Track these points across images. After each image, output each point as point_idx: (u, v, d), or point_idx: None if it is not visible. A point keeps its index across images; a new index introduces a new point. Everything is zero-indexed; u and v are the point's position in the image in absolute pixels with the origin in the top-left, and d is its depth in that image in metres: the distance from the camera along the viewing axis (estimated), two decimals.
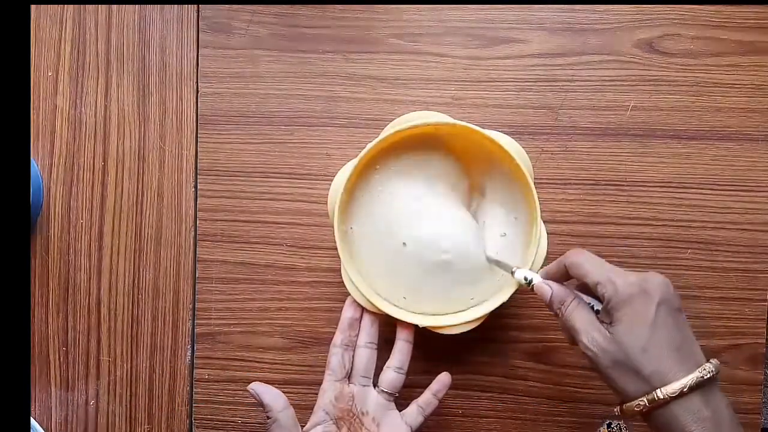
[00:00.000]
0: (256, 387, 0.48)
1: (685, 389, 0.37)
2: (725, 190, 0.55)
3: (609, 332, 0.39)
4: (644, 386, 0.38)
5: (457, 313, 0.49)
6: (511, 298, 0.48)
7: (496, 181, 0.50)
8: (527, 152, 0.51)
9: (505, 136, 0.49)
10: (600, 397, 0.56)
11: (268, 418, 0.47)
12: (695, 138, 0.55)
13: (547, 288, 0.44)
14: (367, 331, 0.49)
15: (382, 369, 0.50)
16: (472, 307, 0.49)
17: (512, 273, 0.46)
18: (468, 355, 0.56)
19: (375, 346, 0.50)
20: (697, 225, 0.55)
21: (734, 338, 0.55)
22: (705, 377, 0.37)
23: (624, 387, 0.39)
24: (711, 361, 0.38)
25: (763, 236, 0.55)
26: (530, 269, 0.46)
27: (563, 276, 0.44)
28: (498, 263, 0.48)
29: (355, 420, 0.48)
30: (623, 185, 0.56)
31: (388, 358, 0.50)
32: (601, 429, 0.54)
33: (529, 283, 0.45)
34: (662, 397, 0.37)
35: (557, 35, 0.56)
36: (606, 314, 0.41)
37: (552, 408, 0.56)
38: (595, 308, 0.42)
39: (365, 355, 0.49)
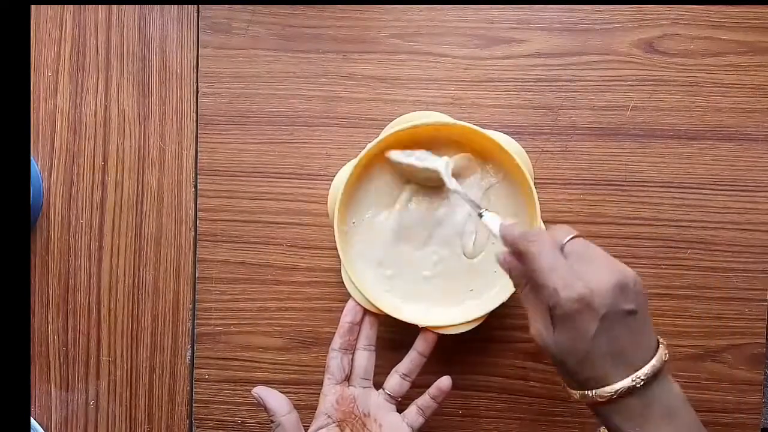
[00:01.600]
0: (260, 391, 0.48)
1: (614, 395, 0.37)
2: (725, 190, 0.55)
3: (554, 334, 0.38)
4: (579, 387, 0.39)
5: (457, 313, 0.49)
6: (510, 297, 0.48)
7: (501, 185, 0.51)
8: (527, 152, 0.51)
9: (505, 135, 0.49)
10: None
11: (272, 422, 0.47)
12: (695, 138, 0.55)
13: (511, 262, 0.41)
14: (366, 334, 0.49)
15: (384, 370, 0.50)
16: (470, 299, 0.49)
17: (479, 215, 0.44)
18: (468, 355, 0.56)
19: (373, 348, 0.50)
20: (697, 225, 0.55)
21: (734, 338, 0.55)
22: (638, 385, 0.37)
23: (563, 376, 0.40)
24: (652, 361, 0.37)
25: (763, 236, 0.55)
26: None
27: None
28: (461, 195, 0.45)
29: (357, 421, 0.48)
30: (623, 185, 0.56)
31: (397, 361, 0.50)
32: (601, 429, 0.54)
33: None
34: (593, 398, 0.38)
35: (557, 35, 0.56)
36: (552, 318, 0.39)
37: (552, 408, 0.56)
38: None
39: (364, 357, 0.49)
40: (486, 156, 0.50)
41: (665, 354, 0.38)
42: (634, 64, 0.55)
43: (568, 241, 0.39)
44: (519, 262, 0.41)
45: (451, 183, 0.46)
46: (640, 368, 0.37)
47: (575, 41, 0.56)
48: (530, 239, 0.39)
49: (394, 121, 0.50)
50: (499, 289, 0.49)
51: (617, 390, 0.37)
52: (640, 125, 0.55)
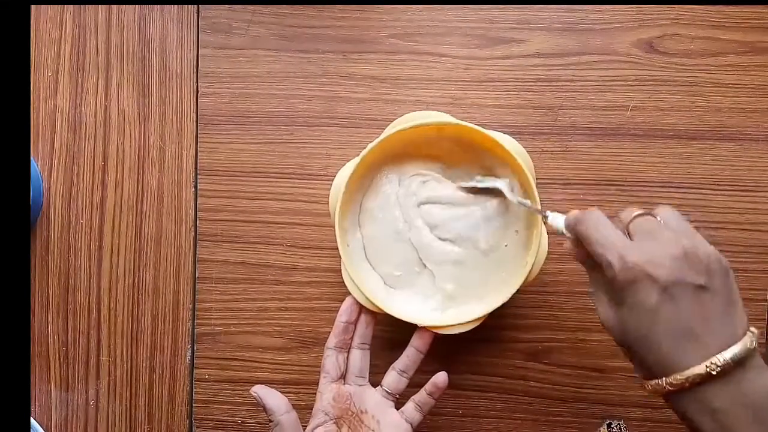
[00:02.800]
0: (259, 390, 0.48)
1: (686, 383, 0.33)
2: (725, 190, 0.55)
3: (616, 312, 0.36)
4: (649, 373, 0.35)
5: (457, 313, 0.49)
6: (511, 298, 0.48)
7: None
8: (527, 152, 0.51)
9: (507, 136, 0.49)
10: (600, 397, 0.56)
11: (270, 421, 0.47)
12: (695, 138, 0.55)
13: (572, 250, 0.40)
14: (360, 333, 0.49)
15: (381, 369, 0.50)
16: (471, 299, 0.49)
17: (544, 217, 0.43)
18: (468, 355, 0.56)
19: (367, 347, 0.50)
20: (697, 225, 0.55)
21: None
22: (713, 372, 0.33)
23: (635, 366, 0.37)
24: (734, 347, 0.33)
25: (763, 236, 0.55)
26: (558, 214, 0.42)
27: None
28: (528, 206, 0.45)
29: (354, 418, 0.48)
30: (623, 185, 0.56)
31: (394, 360, 0.50)
32: (601, 429, 0.54)
33: (562, 233, 0.41)
34: (664, 386, 0.34)
35: (557, 35, 0.56)
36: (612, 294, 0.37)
37: (552, 408, 0.56)
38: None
39: (358, 356, 0.49)
40: (488, 156, 0.50)
41: (752, 341, 0.33)
42: (634, 64, 0.55)
43: (633, 219, 0.37)
44: (580, 248, 0.39)
45: (515, 198, 0.47)
46: (718, 353, 0.33)
47: (575, 41, 0.56)
48: (583, 219, 0.38)
49: (396, 120, 0.50)
50: (501, 288, 0.49)
51: (688, 377, 0.33)
52: (640, 125, 0.55)
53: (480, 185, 0.49)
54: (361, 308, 0.49)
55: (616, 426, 0.54)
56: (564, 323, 0.56)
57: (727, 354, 0.33)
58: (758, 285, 0.55)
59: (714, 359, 0.33)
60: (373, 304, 0.48)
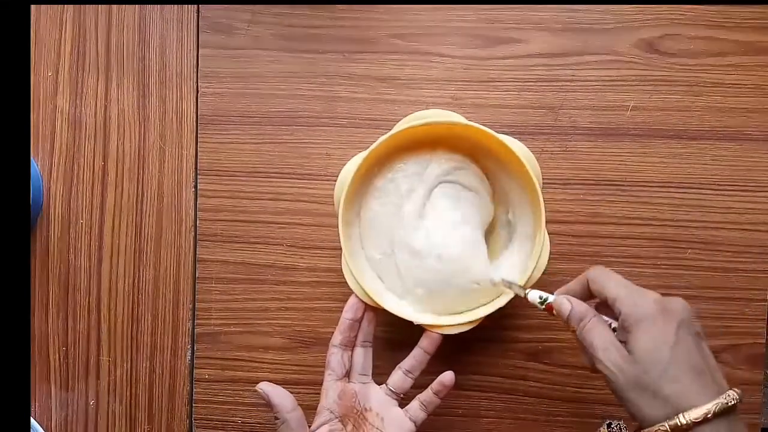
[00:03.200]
0: (265, 387, 0.48)
1: (709, 415, 0.35)
2: (725, 190, 0.55)
3: (627, 351, 0.38)
4: (664, 409, 0.36)
5: (456, 314, 0.49)
6: (511, 298, 0.48)
7: (503, 185, 0.50)
8: None
9: (518, 142, 0.49)
10: (600, 397, 0.56)
11: (276, 419, 0.47)
12: (695, 138, 0.55)
13: (567, 304, 0.42)
14: (363, 330, 0.49)
15: (382, 370, 0.50)
16: (472, 309, 0.49)
17: (525, 295, 0.45)
18: (468, 355, 0.56)
19: (370, 345, 0.50)
20: (697, 225, 0.55)
21: (734, 338, 0.55)
22: (729, 404, 0.35)
23: (642, 409, 0.37)
24: (733, 389, 0.37)
25: (763, 236, 0.55)
26: (537, 289, 0.46)
27: (584, 293, 0.43)
28: (509, 285, 0.47)
29: (359, 416, 0.48)
30: (623, 185, 0.56)
31: (395, 360, 0.50)
32: (601, 429, 0.54)
33: (543, 302, 0.44)
34: (685, 422, 0.35)
35: (557, 35, 0.56)
36: (622, 332, 0.39)
37: (552, 408, 0.56)
38: (613, 326, 0.41)
39: (361, 353, 0.49)
40: (495, 159, 0.50)
41: (740, 392, 0.37)
42: (634, 64, 0.55)
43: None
44: (577, 299, 0.43)
45: (494, 281, 0.48)
46: (725, 391, 0.36)
47: (575, 41, 0.56)
48: (594, 267, 0.43)
49: (406, 117, 0.49)
50: (499, 294, 0.49)
51: (711, 409, 0.35)
52: (640, 125, 0.55)
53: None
54: (366, 306, 0.49)
55: (616, 426, 0.54)
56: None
57: (735, 392, 0.36)
58: (758, 285, 0.55)
59: (729, 393, 0.36)
60: (371, 298, 0.48)
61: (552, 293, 0.44)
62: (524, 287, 0.46)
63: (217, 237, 0.57)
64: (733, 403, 0.36)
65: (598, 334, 0.40)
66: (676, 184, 0.55)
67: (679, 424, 0.35)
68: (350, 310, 0.49)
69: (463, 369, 0.56)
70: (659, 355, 0.37)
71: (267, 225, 0.57)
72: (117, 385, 0.58)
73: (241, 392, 0.57)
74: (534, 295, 0.45)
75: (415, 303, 0.50)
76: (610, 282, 0.41)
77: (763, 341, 0.55)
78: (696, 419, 0.35)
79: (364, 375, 0.49)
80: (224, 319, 0.57)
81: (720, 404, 0.35)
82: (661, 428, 0.36)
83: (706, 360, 0.38)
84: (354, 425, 0.47)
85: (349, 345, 0.49)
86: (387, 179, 0.50)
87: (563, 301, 0.43)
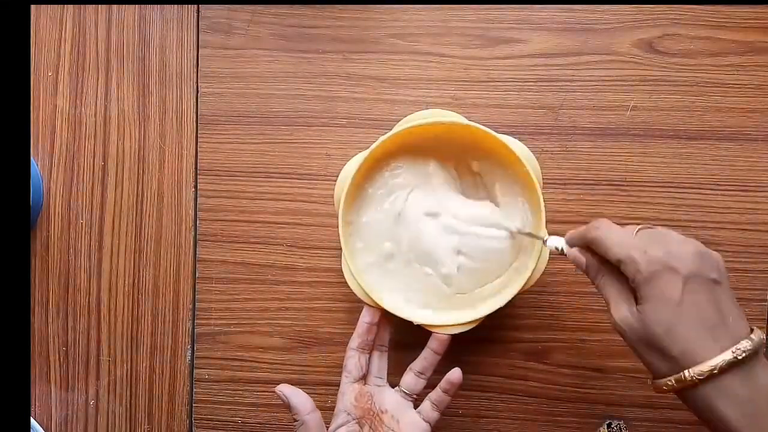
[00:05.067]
0: (285, 389, 0.48)
1: (715, 370, 0.34)
2: (725, 190, 0.55)
3: (637, 309, 0.37)
4: (673, 366, 0.36)
5: (457, 313, 0.49)
6: (511, 298, 0.48)
7: (504, 186, 0.50)
8: None
9: (519, 143, 0.49)
10: (600, 397, 0.56)
11: (296, 420, 0.47)
12: (695, 138, 0.55)
13: (581, 258, 0.41)
14: (379, 335, 0.50)
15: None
16: (472, 299, 0.49)
17: (544, 242, 0.45)
18: (468, 355, 0.56)
19: (385, 349, 0.50)
20: (697, 225, 0.55)
21: None
22: (739, 357, 0.34)
23: (652, 365, 0.37)
24: (752, 335, 0.35)
25: (763, 236, 0.55)
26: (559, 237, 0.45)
27: (588, 246, 0.42)
28: (528, 234, 0.47)
29: (375, 418, 0.48)
30: (623, 185, 0.56)
31: (397, 361, 0.50)
32: (601, 429, 0.54)
33: (562, 251, 0.44)
34: (689, 377, 0.35)
35: (557, 35, 0.56)
36: (634, 291, 0.38)
37: (552, 408, 0.56)
38: None
39: (376, 357, 0.50)
40: (495, 160, 0.50)
41: (763, 335, 0.35)
42: (634, 64, 0.55)
43: (638, 230, 0.39)
44: (590, 253, 0.41)
45: (516, 229, 0.48)
46: (739, 342, 0.34)
47: (575, 41, 0.56)
48: (596, 225, 0.40)
49: (406, 117, 0.50)
50: (500, 291, 0.49)
51: (718, 364, 0.34)
52: (640, 125, 0.55)
53: (491, 228, 0.49)
54: (384, 311, 0.49)
55: (616, 426, 0.54)
56: (564, 323, 0.56)
57: (749, 343, 0.35)
58: (758, 285, 0.55)
59: (740, 345, 0.34)
60: (370, 298, 0.48)
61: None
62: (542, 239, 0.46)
63: (217, 237, 0.57)
64: (745, 354, 0.34)
65: (610, 290, 0.39)
66: (676, 184, 0.55)
67: (683, 378, 0.35)
68: (368, 314, 0.49)
69: (463, 369, 0.55)
70: (663, 316, 0.36)
71: (267, 225, 0.57)
72: (117, 385, 0.58)
73: (241, 392, 0.57)
74: (552, 243, 0.44)
75: (425, 298, 0.50)
76: (609, 242, 0.39)
77: (764, 341, 0.55)
78: (701, 375, 0.34)
79: (380, 378, 0.50)
80: (224, 319, 0.57)
81: (727, 360, 0.34)
82: (668, 383, 0.36)
83: (720, 310, 0.36)
84: (371, 427, 0.48)
85: (366, 348, 0.49)
86: (387, 179, 0.50)
87: (578, 257, 0.42)
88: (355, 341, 0.49)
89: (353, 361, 0.49)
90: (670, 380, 0.36)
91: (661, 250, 0.37)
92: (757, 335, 0.35)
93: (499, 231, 0.49)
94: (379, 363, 0.50)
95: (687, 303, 0.35)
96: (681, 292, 0.35)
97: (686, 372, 0.35)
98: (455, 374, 0.49)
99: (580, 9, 0.56)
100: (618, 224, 0.40)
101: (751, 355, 0.35)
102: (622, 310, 0.38)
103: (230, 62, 0.57)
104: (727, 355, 0.34)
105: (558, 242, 0.44)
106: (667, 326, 0.36)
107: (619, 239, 0.38)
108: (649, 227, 0.39)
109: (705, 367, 0.34)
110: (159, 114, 0.57)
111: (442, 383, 0.49)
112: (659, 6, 0.55)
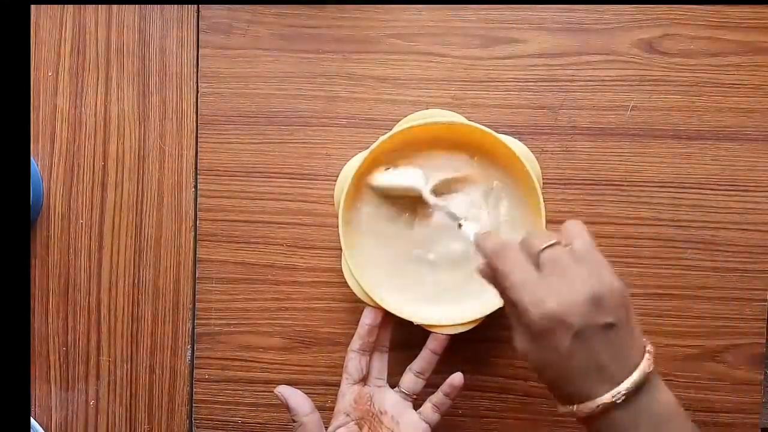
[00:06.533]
0: (283, 390, 0.48)
1: (596, 410, 0.35)
2: (725, 190, 0.55)
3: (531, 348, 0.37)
4: (564, 401, 0.38)
5: (457, 313, 0.49)
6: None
7: (503, 186, 0.50)
8: None
9: (519, 142, 0.49)
10: None
11: (294, 421, 0.47)
12: (695, 138, 0.55)
13: (486, 273, 0.40)
14: (380, 336, 0.50)
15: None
16: (471, 299, 0.49)
17: (459, 225, 0.43)
18: (468, 355, 0.56)
19: (385, 350, 0.50)
20: (697, 225, 0.55)
21: (734, 338, 0.55)
22: (618, 400, 0.35)
23: (550, 391, 0.39)
24: (632, 376, 0.36)
25: (763, 236, 0.55)
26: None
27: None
28: (440, 207, 0.44)
29: (374, 419, 0.48)
30: (623, 185, 0.56)
31: (394, 360, 0.50)
32: None
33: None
34: (576, 413, 0.37)
35: (557, 35, 0.56)
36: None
37: (552, 408, 0.56)
38: None
39: (377, 358, 0.50)
40: (495, 159, 0.50)
41: (649, 365, 0.36)
42: (634, 64, 0.55)
43: (543, 250, 0.37)
44: (494, 276, 0.39)
45: (429, 198, 0.46)
46: (621, 382, 0.35)
47: (575, 41, 0.56)
48: (500, 254, 0.38)
49: (406, 117, 0.50)
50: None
51: (598, 405, 0.35)
52: (640, 125, 0.55)
53: (390, 182, 0.48)
54: (384, 312, 0.49)
55: None
56: None
57: (628, 383, 0.35)
58: (758, 285, 0.55)
59: (619, 388, 0.35)
60: (370, 297, 0.48)
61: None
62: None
63: (217, 237, 0.57)
64: (623, 396, 0.35)
65: (512, 316, 0.38)
66: (676, 184, 0.55)
67: (574, 412, 0.37)
68: (368, 316, 0.49)
69: (464, 369, 0.56)
70: (552, 365, 0.37)
71: (267, 225, 0.57)
72: (117, 385, 0.58)
73: (241, 392, 0.57)
74: (469, 229, 0.42)
75: (425, 298, 0.50)
76: (510, 287, 0.37)
77: (763, 341, 0.55)
78: (587, 413, 0.36)
79: (380, 379, 0.50)
80: (224, 319, 0.57)
81: (605, 402, 0.35)
82: (562, 410, 0.38)
83: (610, 352, 0.36)
84: (370, 428, 0.48)
85: (367, 350, 0.49)
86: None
87: (484, 269, 0.40)
88: (356, 343, 0.49)
89: (354, 363, 0.49)
90: (562, 409, 0.38)
91: (554, 302, 0.35)
92: (641, 372, 0.36)
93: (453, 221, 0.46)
94: (380, 364, 0.50)
95: (576, 354, 0.36)
96: (570, 344, 0.35)
97: (572, 407, 0.37)
98: (457, 378, 0.49)
99: (580, 9, 0.56)
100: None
101: (633, 392, 0.35)
102: (520, 340, 0.38)
103: (230, 62, 0.57)
104: (606, 398, 0.35)
105: (471, 233, 0.41)
106: (558, 374, 0.37)
107: (519, 280, 0.37)
108: (554, 244, 0.37)
109: (588, 406, 0.36)
110: (159, 114, 0.57)
111: (444, 386, 0.49)
112: (659, 6, 0.55)
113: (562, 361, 0.36)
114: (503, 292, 0.38)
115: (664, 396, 0.37)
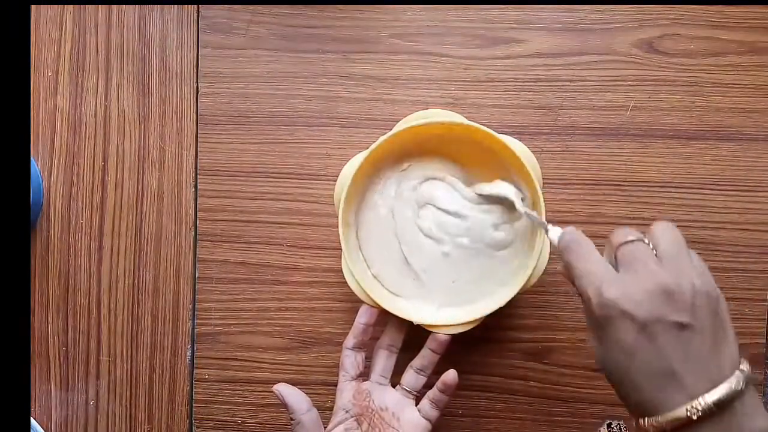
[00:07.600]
0: (281, 388, 0.48)
1: (668, 427, 0.31)
2: (725, 190, 0.55)
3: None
4: (635, 412, 0.34)
5: (457, 313, 0.49)
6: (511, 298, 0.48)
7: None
8: None
9: (519, 142, 0.49)
10: (600, 397, 0.55)
11: (292, 419, 0.47)
12: (695, 138, 0.55)
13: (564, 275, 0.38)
14: (392, 335, 0.50)
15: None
16: (471, 299, 0.49)
17: (546, 231, 0.42)
18: (468, 355, 0.56)
19: (395, 350, 0.50)
20: (697, 225, 0.55)
21: None
22: (693, 416, 0.31)
23: (622, 401, 0.35)
24: (717, 388, 0.31)
25: (763, 236, 0.55)
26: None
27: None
28: (530, 216, 0.45)
29: (374, 415, 0.48)
30: (623, 185, 0.55)
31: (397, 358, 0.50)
32: (601, 429, 0.54)
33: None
34: (646, 427, 0.33)
35: (557, 35, 0.56)
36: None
37: (552, 408, 0.56)
38: None
39: (384, 356, 0.50)
40: (496, 159, 0.50)
41: (739, 383, 0.31)
42: (634, 64, 0.55)
43: (620, 246, 0.35)
44: (566, 271, 0.38)
45: (523, 209, 0.46)
46: (699, 396, 0.31)
47: (575, 41, 0.56)
48: (571, 248, 0.37)
49: (406, 117, 0.50)
50: (500, 290, 0.49)
51: (670, 419, 0.31)
52: (640, 125, 0.55)
53: (490, 192, 0.48)
54: (386, 312, 0.49)
55: (616, 426, 0.54)
56: (564, 323, 0.56)
57: (710, 397, 0.31)
58: (758, 285, 0.55)
59: (695, 403, 0.31)
60: (370, 297, 0.48)
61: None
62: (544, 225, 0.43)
63: (217, 237, 0.57)
64: (699, 414, 0.31)
65: (585, 316, 0.36)
66: (676, 184, 0.55)
67: (642, 425, 0.33)
68: (364, 315, 0.49)
69: (463, 369, 0.56)
70: (615, 364, 0.34)
71: (267, 225, 0.57)
72: (117, 385, 0.58)
73: (241, 392, 0.57)
74: (554, 234, 0.40)
75: (425, 298, 0.50)
76: (578, 277, 0.35)
77: (763, 341, 0.55)
78: (657, 425, 0.32)
79: (383, 377, 0.50)
80: (224, 319, 0.57)
81: (679, 416, 0.31)
82: (633, 425, 0.34)
83: (681, 356, 0.32)
84: (369, 424, 0.48)
85: (362, 347, 0.50)
86: (387, 179, 0.50)
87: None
88: (350, 341, 0.49)
89: (350, 360, 0.49)
90: (636, 422, 0.34)
91: (618, 291, 0.33)
92: (728, 387, 0.31)
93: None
94: (386, 363, 0.50)
95: (640, 352, 0.32)
96: (633, 339, 0.32)
97: (642, 421, 0.33)
98: (450, 376, 0.49)
99: (580, 9, 0.56)
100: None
101: (715, 411, 0.31)
102: (591, 339, 0.36)
103: (230, 62, 0.57)
104: (681, 413, 0.31)
105: (556, 237, 0.41)
106: (621, 375, 0.33)
107: (587, 271, 0.35)
108: (635, 240, 0.35)
109: (659, 420, 0.32)
110: (159, 114, 0.57)
111: (438, 384, 0.49)
112: (659, 6, 0.55)
113: (624, 359, 0.33)
114: (574, 284, 0.36)
115: (760, 424, 0.31)
